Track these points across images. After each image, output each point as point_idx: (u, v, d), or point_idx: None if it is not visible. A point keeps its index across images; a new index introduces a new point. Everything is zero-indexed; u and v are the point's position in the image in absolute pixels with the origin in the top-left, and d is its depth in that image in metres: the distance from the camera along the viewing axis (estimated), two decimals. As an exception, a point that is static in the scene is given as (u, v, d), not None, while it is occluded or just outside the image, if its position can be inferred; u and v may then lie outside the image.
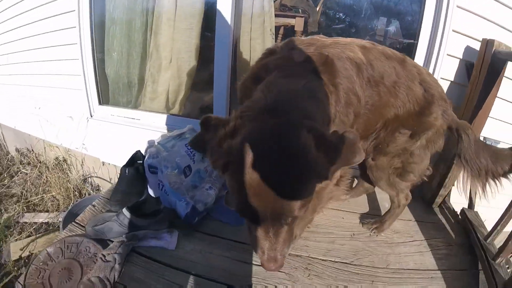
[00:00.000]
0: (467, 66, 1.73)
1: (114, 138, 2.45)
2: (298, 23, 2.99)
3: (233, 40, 2.06)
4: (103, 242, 1.32)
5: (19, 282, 1.17)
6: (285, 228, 0.78)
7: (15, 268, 2.31)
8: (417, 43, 1.83)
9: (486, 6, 1.68)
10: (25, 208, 3.11)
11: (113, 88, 2.51)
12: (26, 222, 2.86)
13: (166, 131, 2.29)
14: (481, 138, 1.77)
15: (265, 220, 0.76)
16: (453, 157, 1.62)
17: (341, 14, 3.49)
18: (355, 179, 1.82)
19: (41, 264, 1.25)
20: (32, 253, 2.42)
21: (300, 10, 3.22)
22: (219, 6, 1.97)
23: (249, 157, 0.71)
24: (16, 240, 2.62)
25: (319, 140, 0.74)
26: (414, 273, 1.31)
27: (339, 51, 1.03)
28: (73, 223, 1.45)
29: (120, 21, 2.37)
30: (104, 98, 2.53)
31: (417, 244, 1.49)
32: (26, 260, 2.39)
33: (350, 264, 1.31)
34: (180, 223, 1.40)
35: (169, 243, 1.31)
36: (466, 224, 1.59)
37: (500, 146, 1.83)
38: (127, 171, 1.57)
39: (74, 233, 1.38)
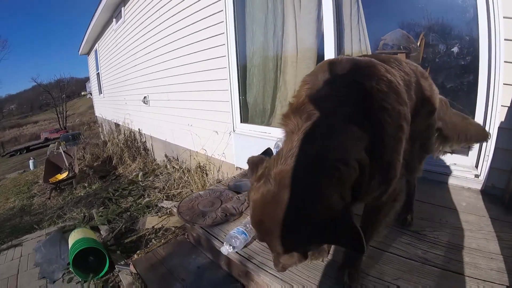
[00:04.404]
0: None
1: (250, 147, 3.25)
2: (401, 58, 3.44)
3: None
4: (238, 193, 2.10)
5: (174, 206, 1.92)
6: (277, 254, 0.92)
7: (147, 233, 2.99)
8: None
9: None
10: (165, 197, 4.09)
11: (252, 112, 3.47)
12: (163, 207, 3.65)
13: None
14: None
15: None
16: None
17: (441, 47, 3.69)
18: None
19: (193, 198, 2.09)
20: (163, 226, 3.06)
21: (401, 47, 3.51)
22: (326, 51, 2.68)
23: (252, 209, 0.90)
24: (153, 216, 3.46)
25: (304, 215, 0.80)
26: (474, 251, 1.38)
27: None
28: (218, 183, 2.30)
29: (258, 63, 3.36)
30: (244, 118, 3.49)
31: (484, 233, 1.52)
32: (157, 230, 3.03)
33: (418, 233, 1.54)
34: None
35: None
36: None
37: None
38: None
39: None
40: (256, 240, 0.89)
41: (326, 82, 0.96)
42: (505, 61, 1.80)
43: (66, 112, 36.55)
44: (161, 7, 4.86)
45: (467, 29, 2.22)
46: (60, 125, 34.09)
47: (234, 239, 1.45)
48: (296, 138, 0.87)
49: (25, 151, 21.75)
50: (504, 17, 1.76)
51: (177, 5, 4.34)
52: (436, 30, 2.70)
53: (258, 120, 3.42)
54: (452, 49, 2.53)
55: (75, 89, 57.55)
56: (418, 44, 3.57)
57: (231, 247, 1.45)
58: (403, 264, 1.30)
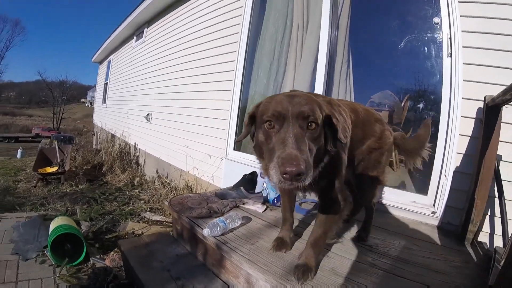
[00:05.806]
0: (481, 122, 2.12)
1: (237, 173, 3.31)
2: (383, 115, 3.64)
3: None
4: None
5: (166, 200, 2.26)
6: (302, 132, 0.99)
7: (126, 236, 3.13)
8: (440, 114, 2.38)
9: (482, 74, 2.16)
10: (149, 208, 4.23)
11: (244, 142, 3.79)
12: (145, 217, 3.82)
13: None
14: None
15: (287, 121, 1.01)
16: (473, 193, 1.91)
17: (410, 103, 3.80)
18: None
19: (184, 197, 2.40)
20: (143, 233, 3.11)
21: (386, 105, 3.98)
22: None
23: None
24: (134, 222, 3.57)
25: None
26: (420, 265, 1.58)
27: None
28: (207, 192, 2.64)
29: (257, 102, 3.72)
30: (237, 146, 3.85)
31: (433, 255, 1.73)
32: (137, 235, 3.12)
33: (371, 246, 1.79)
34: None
35: (260, 209, 2.34)
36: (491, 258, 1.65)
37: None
38: (247, 176, 2.74)
39: (206, 194, 2.52)
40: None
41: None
42: (461, 116, 2.23)
43: (62, 114, 36.71)
44: (182, 37, 5.42)
45: (432, 89, 2.69)
46: (53, 125, 34.11)
47: (215, 225, 1.77)
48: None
49: (13, 141, 21.74)
50: (463, 80, 2.23)
51: (196, 38, 4.91)
52: (407, 89, 3.20)
53: (249, 151, 3.74)
54: (419, 105, 3.03)
55: (76, 94, 58.38)
56: (402, 104, 3.92)
57: (212, 231, 1.76)
58: (354, 265, 1.57)
